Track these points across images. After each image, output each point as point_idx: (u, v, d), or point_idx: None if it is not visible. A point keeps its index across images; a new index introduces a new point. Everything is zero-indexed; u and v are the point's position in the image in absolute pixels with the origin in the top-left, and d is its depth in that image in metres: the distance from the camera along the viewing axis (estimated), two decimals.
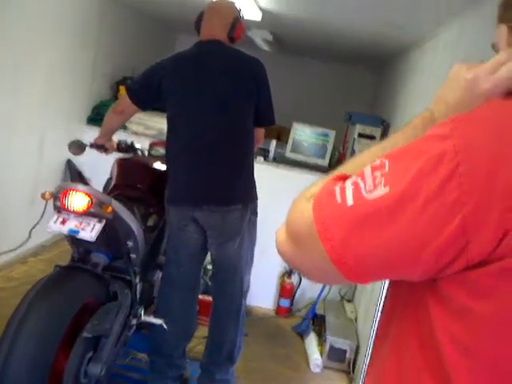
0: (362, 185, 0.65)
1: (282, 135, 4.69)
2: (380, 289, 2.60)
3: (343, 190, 0.67)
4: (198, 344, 2.88)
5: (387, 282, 0.83)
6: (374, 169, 0.66)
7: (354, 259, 0.65)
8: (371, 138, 4.02)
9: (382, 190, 0.63)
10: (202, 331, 2.76)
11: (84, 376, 1.91)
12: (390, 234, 0.63)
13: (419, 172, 0.62)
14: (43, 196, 1.98)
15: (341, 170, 0.78)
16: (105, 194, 2.18)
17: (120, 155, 2.76)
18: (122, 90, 4.46)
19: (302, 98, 6.09)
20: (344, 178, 0.70)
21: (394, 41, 3.96)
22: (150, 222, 2.50)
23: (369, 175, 0.66)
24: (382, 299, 2.53)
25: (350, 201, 0.65)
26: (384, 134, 4.07)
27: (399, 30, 3.46)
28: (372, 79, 6.14)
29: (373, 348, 0.86)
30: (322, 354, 3.13)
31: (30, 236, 2.26)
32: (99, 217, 1.96)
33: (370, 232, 0.64)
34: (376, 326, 2.56)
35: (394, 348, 0.75)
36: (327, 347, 3.12)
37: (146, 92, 2.43)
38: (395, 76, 4.61)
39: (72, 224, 1.93)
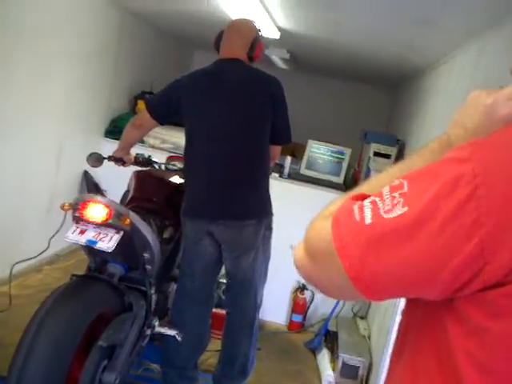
0: (380, 204, 0.67)
1: (296, 152, 4.72)
2: (394, 306, 2.60)
3: (362, 209, 0.68)
4: (210, 357, 2.89)
5: (403, 299, 0.84)
6: (392, 189, 0.67)
7: (370, 277, 0.66)
8: (386, 156, 4.04)
9: (400, 210, 0.64)
10: (215, 344, 2.77)
11: None
12: (408, 252, 0.64)
13: (438, 193, 0.63)
14: (62, 207, 2.01)
15: (359, 189, 0.79)
16: (122, 205, 2.22)
17: (137, 168, 2.81)
18: (140, 104, 4.54)
19: (318, 115, 6.13)
20: (362, 197, 0.71)
21: (410, 62, 4.00)
22: (166, 235, 2.54)
23: (387, 195, 0.67)
24: (397, 317, 2.52)
25: (368, 219, 0.66)
26: (399, 153, 4.08)
27: (413, 52, 3.50)
28: (387, 99, 6.18)
29: (389, 365, 0.86)
30: (334, 371, 3.12)
31: (48, 245, 2.29)
32: (117, 228, 1.99)
33: (387, 251, 0.65)
34: (391, 343, 2.56)
35: (410, 366, 0.76)
36: (340, 364, 3.11)
37: (164, 107, 2.48)
38: (410, 96, 4.63)
39: (90, 235, 1.97)
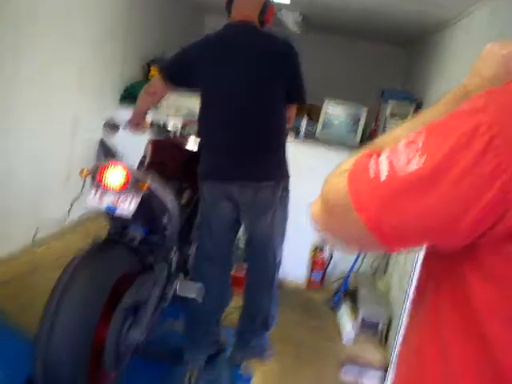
0: (396, 159, 0.67)
1: (312, 113, 4.69)
2: (413, 261, 2.63)
3: (378, 164, 0.69)
4: (232, 312, 2.95)
5: (421, 256, 0.85)
6: (407, 143, 0.68)
7: (389, 228, 0.68)
8: (403, 114, 3.99)
9: (416, 164, 0.65)
10: (236, 301, 2.83)
11: (125, 342, 2.01)
12: (426, 204, 0.65)
13: (455, 145, 0.63)
14: (81, 173, 2.04)
15: (374, 144, 0.81)
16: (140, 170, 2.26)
17: (153, 135, 2.84)
18: (153, 70, 4.54)
19: (334, 76, 6.05)
20: (377, 152, 0.72)
21: (428, 18, 3.90)
22: (184, 198, 2.59)
23: (403, 149, 0.68)
24: (416, 272, 2.55)
25: (384, 174, 0.67)
26: (417, 111, 4.03)
27: (433, 8, 3.41)
28: (404, 57, 6.05)
29: (408, 317, 0.88)
30: (354, 327, 3.19)
31: (69, 212, 2.35)
32: (136, 193, 2.03)
33: (405, 203, 0.66)
34: (410, 298, 2.60)
35: (430, 315, 0.78)
36: (360, 319, 3.18)
37: (178, 73, 2.49)
38: (428, 53, 4.54)
39: (109, 200, 2.01)
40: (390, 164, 0.67)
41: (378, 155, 0.71)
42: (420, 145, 0.66)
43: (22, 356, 2.12)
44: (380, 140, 0.83)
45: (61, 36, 3.41)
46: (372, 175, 0.68)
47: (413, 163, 0.65)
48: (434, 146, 0.65)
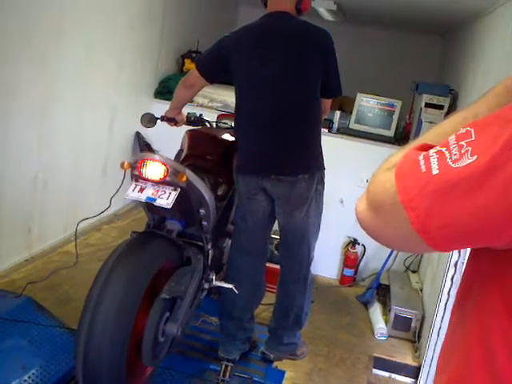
0: (447, 154, 0.65)
1: (345, 106, 4.65)
2: (447, 258, 2.59)
3: (428, 159, 0.66)
4: (264, 310, 2.98)
5: (456, 251, 0.83)
6: (459, 138, 0.65)
7: (438, 228, 0.65)
8: (439, 107, 3.92)
9: (468, 159, 0.63)
10: (268, 298, 2.84)
11: (162, 335, 2.02)
12: (478, 202, 0.62)
13: (508, 141, 0.61)
14: (122, 165, 2.06)
15: (421, 139, 0.77)
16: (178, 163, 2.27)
17: (189, 128, 2.85)
18: (188, 63, 4.55)
19: (366, 67, 5.97)
20: (426, 147, 0.69)
21: (464, 6, 3.81)
22: (220, 191, 2.58)
23: (454, 144, 0.65)
24: (450, 270, 2.52)
25: (435, 170, 0.65)
26: (453, 104, 3.96)
27: None
28: (439, 48, 5.94)
29: (451, 316, 0.85)
30: (386, 323, 3.16)
31: (110, 204, 2.37)
32: (174, 185, 2.04)
33: (455, 201, 0.63)
34: (444, 295, 2.56)
35: (476, 315, 0.75)
36: (392, 316, 3.14)
37: (214, 66, 2.48)
38: (464, 43, 4.44)
39: (149, 192, 2.03)
40: (441, 159, 0.65)
41: (428, 150, 0.68)
42: (472, 139, 0.64)
43: (62, 349, 2.17)
44: (427, 134, 0.80)
45: (98, 25, 3.43)
46: (423, 171, 0.66)
47: (465, 159, 0.63)
48: (486, 140, 0.63)
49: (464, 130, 0.66)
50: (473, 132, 0.65)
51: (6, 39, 2.67)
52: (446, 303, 2.56)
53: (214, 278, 2.41)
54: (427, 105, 3.92)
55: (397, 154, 0.75)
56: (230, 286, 2.39)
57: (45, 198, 3.25)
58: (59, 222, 3.44)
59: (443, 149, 0.66)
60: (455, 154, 0.64)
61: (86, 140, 3.62)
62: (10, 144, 2.88)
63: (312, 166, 2.46)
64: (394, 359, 2.94)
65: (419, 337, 3.10)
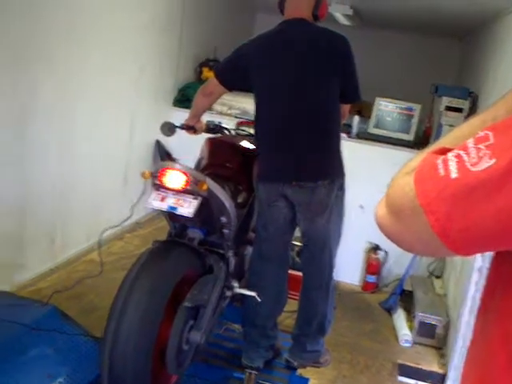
0: (465, 157, 0.64)
1: (364, 110, 4.63)
2: (471, 264, 2.55)
3: (446, 163, 0.66)
4: (287, 318, 2.96)
5: (479, 257, 0.82)
6: (477, 141, 0.65)
7: (458, 232, 0.65)
8: (459, 110, 3.88)
9: (487, 162, 0.62)
10: (291, 305, 2.83)
11: (186, 343, 2.03)
12: (498, 206, 0.61)
13: None
14: (143, 175, 2.09)
15: (440, 143, 0.77)
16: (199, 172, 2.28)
17: (209, 136, 2.86)
18: (205, 71, 4.58)
19: (384, 71, 5.94)
20: (445, 151, 0.69)
21: (483, 7, 3.78)
22: (240, 199, 2.59)
23: (472, 147, 0.64)
24: (474, 275, 2.48)
25: (454, 173, 0.64)
26: (472, 106, 3.92)
27: None
28: (457, 50, 5.89)
29: (475, 322, 0.84)
30: (411, 330, 3.12)
31: (131, 213, 2.40)
32: (195, 194, 2.05)
33: (475, 204, 0.63)
34: (468, 301, 2.52)
35: (500, 321, 0.74)
36: (417, 323, 3.10)
37: (233, 74, 2.49)
38: (484, 44, 4.40)
39: (171, 201, 2.04)
40: (460, 162, 0.64)
41: (446, 153, 0.67)
42: (491, 142, 0.63)
43: (87, 357, 2.18)
44: (446, 137, 0.79)
45: (117, 34, 3.48)
46: (441, 174, 0.65)
47: (483, 162, 0.62)
48: (506, 143, 0.62)
49: (482, 133, 0.65)
50: (491, 135, 0.64)
51: (20, 39, 2.67)
52: (470, 309, 2.52)
53: (236, 285, 2.42)
54: (447, 108, 3.89)
55: (415, 158, 0.75)
56: (252, 293, 2.39)
57: (66, 207, 3.29)
58: (82, 231, 3.48)
59: (461, 152, 0.66)
60: (473, 158, 0.64)
61: (107, 149, 3.65)
62: (28, 150, 2.88)
63: (332, 172, 2.45)
64: (419, 366, 2.90)
65: (445, 343, 3.06)
